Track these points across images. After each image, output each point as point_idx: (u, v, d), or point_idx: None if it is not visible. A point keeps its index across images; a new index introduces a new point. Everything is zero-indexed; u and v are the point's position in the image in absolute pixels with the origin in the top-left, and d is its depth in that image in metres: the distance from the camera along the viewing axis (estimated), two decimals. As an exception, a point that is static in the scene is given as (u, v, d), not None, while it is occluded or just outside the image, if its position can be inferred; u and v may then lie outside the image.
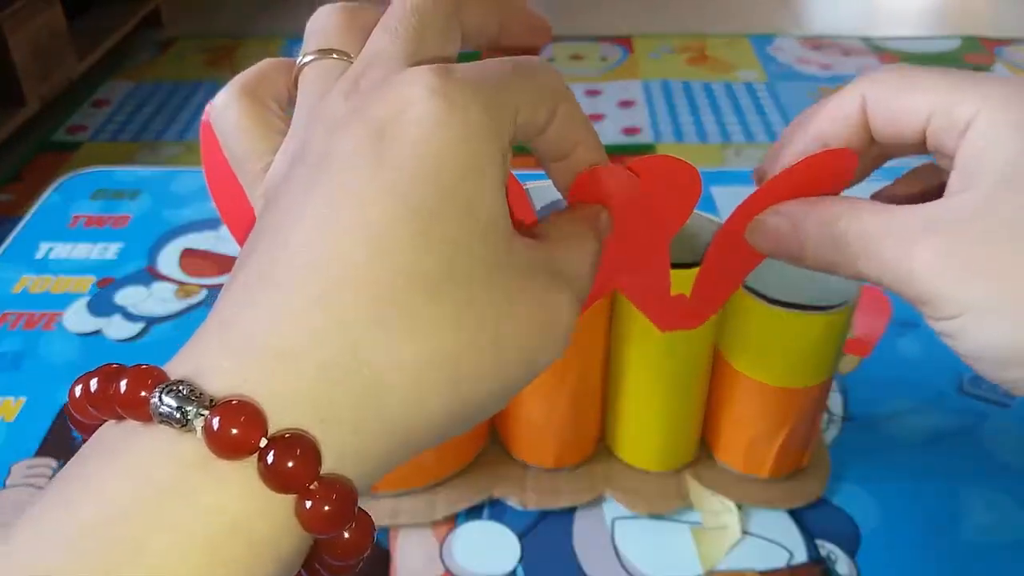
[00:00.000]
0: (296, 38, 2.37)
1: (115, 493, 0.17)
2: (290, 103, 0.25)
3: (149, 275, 0.58)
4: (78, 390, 0.18)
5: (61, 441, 0.46)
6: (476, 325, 0.19)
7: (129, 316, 0.55)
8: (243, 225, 0.27)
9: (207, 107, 0.26)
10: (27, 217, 0.64)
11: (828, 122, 0.26)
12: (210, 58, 2.29)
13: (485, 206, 0.19)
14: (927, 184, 0.28)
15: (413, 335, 0.18)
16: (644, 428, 0.41)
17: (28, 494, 0.43)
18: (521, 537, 0.41)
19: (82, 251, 0.60)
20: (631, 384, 0.40)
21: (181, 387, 0.17)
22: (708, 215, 0.37)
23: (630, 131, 1.91)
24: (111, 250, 0.60)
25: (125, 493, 0.17)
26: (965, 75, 0.24)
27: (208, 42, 2.38)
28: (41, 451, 0.45)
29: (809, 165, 0.26)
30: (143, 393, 0.17)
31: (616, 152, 1.75)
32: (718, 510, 0.42)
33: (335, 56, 0.23)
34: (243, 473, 0.17)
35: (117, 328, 0.54)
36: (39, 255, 0.60)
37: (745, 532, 0.41)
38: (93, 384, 0.18)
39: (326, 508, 0.17)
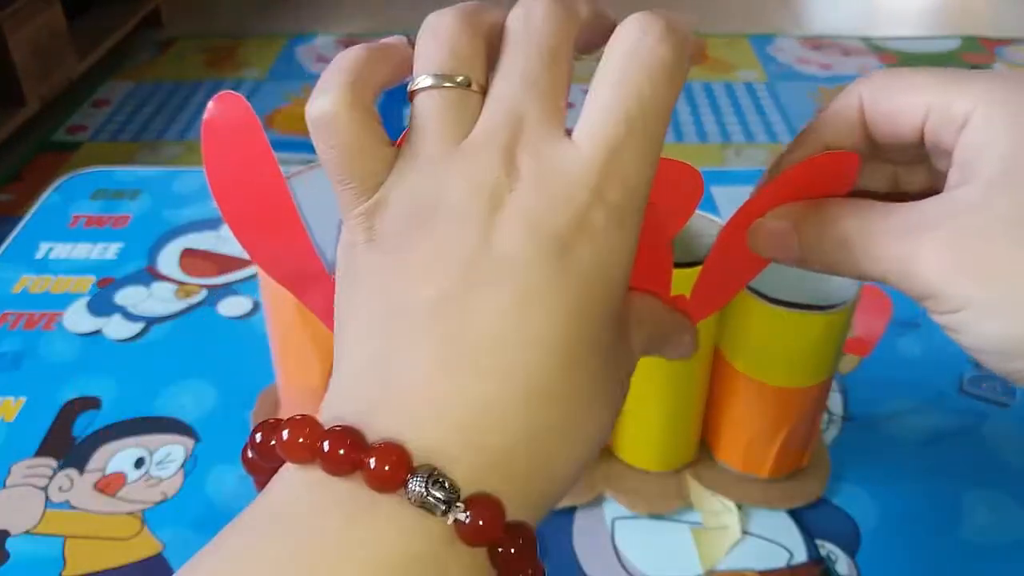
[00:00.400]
0: (297, 38, 2.38)
1: (376, 560, 0.18)
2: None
3: (149, 275, 0.58)
4: (285, 434, 0.20)
5: (61, 441, 0.46)
6: (600, 413, 0.22)
7: (129, 316, 0.55)
8: (245, 226, 0.27)
9: (209, 105, 0.26)
10: (27, 217, 0.64)
11: (827, 125, 0.26)
12: (210, 58, 2.29)
13: (621, 306, 0.22)
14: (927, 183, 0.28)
15: (577, 434, 0.21)
16: (644, 428, 0.41)
17: (28, 494, 0.43)
18: (521, 537, 0.41)
19: (82, 251, 0.60)
20: (631, 384, 0.40)
21: (436, 474, 0.19)
22: (709, 215, 0.37)
23: (630, 131, 1.90)
24: (111, 250, 0.60)
25: (392, 561, 0.18)
26: (961, 72, 0.24)
27: (208, 42, 2.38)
28: (41, 451, 0.45)
29: (811, 167, 0.26)
30: (400, 474, 0.19)
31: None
32: (718, 510, 0.42)
33: (449, 85, 0.22)
34: (477, 555, 0.19)
35: (117, 328, 0.54)
36: (39, 255, 0.60)
37: (745, 532, 0.41)
38: (326, 446, 0.19)
39: None
